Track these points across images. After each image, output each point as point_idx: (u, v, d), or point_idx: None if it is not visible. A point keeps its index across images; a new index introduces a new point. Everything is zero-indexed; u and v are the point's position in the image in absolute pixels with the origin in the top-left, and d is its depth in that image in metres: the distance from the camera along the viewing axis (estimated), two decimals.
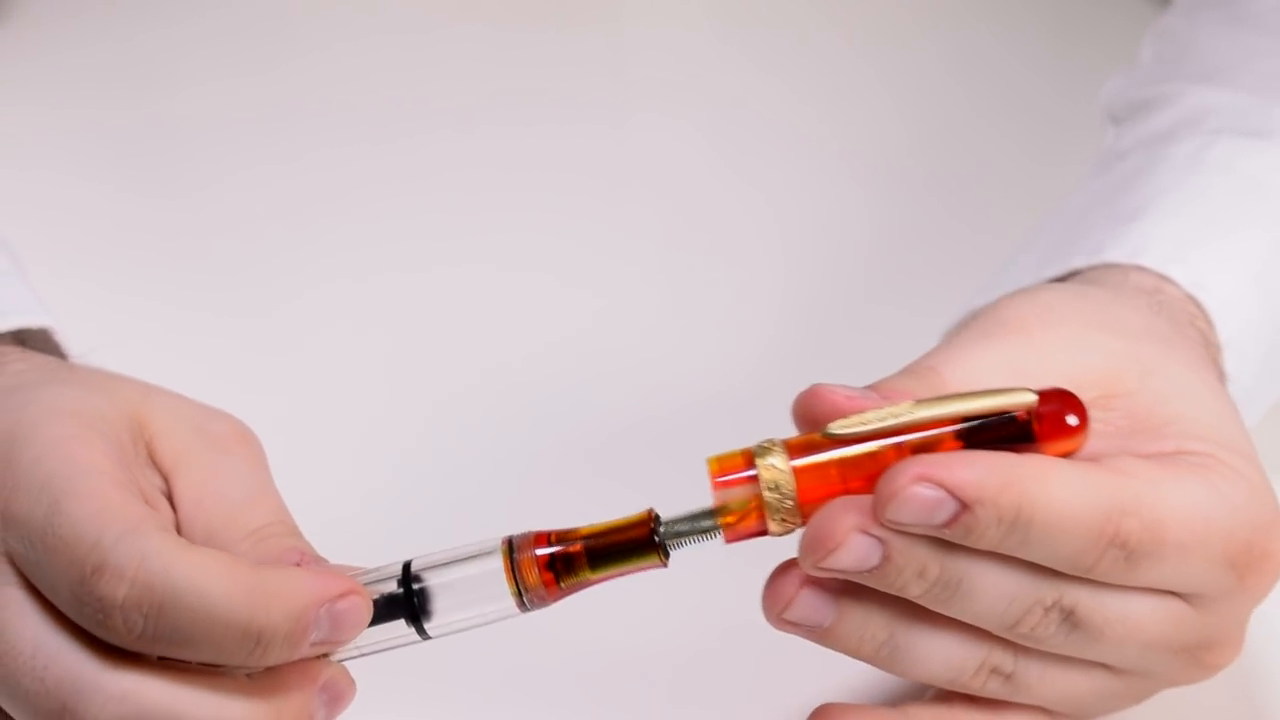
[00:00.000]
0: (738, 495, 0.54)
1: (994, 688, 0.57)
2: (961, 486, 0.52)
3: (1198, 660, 0.57)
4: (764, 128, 0.92)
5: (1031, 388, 0.54)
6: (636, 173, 0.90)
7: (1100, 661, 0.57)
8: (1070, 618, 0.55)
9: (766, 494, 0.54)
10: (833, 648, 0.55)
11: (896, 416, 0.54)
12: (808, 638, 0.55)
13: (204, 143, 0.90)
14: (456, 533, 0.57)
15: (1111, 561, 0.54)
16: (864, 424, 0.54)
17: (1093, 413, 0.56)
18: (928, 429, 0.54)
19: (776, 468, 0.54)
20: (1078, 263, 0.66)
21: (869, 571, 0.53)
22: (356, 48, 0.96)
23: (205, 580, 0.52)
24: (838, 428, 0.54)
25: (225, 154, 0.90)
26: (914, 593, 0.54)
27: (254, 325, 0.81)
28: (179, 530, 0.57)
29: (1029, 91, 0.94)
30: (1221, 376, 0.64)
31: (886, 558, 0.53)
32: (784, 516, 0.54)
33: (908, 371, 0.57)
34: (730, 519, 0.54)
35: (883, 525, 0.53)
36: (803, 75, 0.95)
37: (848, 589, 0.55)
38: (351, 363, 0.79)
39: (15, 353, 0.61)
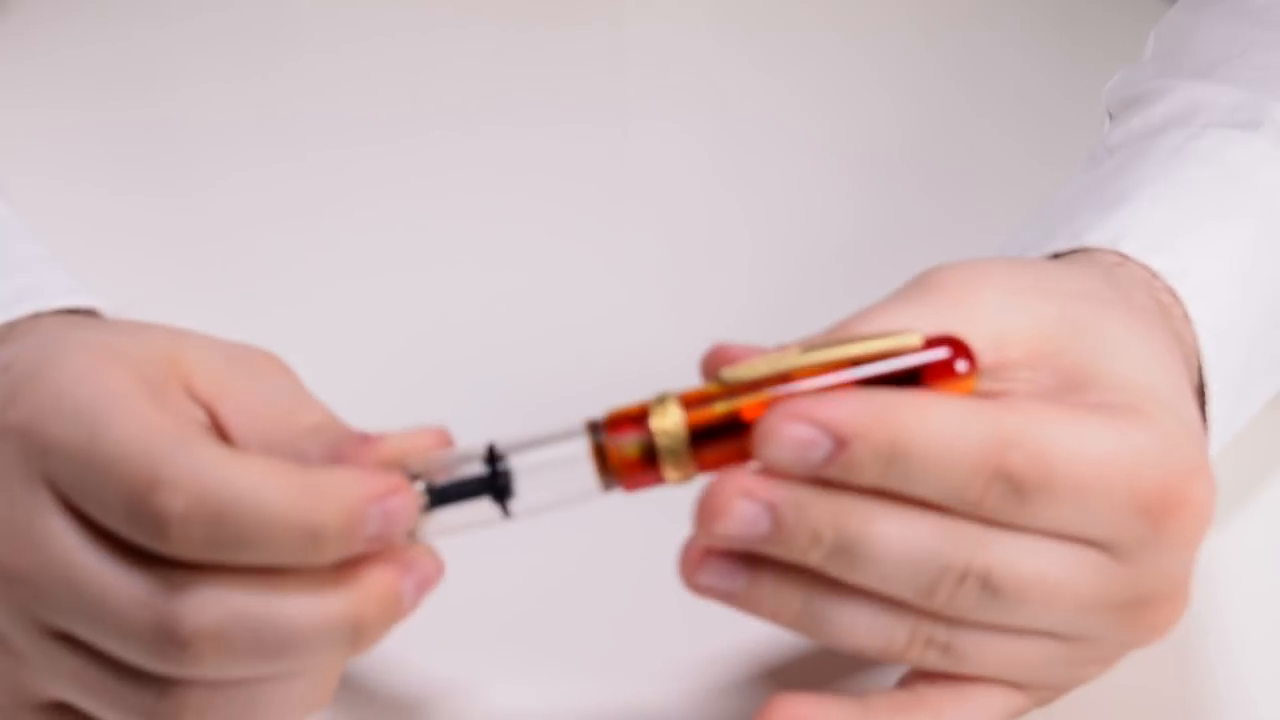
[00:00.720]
0: (633, 443, 0.56)
1: (934, 659, 0.56)
2: (836, 423, 0.53)
3: (1139, 618, 0.57)
4: (765, 128, 0.92)
5: (918, 331, 0.55)
6: (637, 173, 0.90)
7: (1037, 628, 0.56)
8: (987, 585, 0.55)
9: (659, 440, 0.56)
10: (751, 614, 0.56)
11: (783, 361, 0.56)
12: (725, 603, 0.56)
13: (204, 143, 0.90)
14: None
15: (1000, 496, 0.54)
16: (752, 370, 0.56)
17: (1019, 372, 0.57)
18: (816, 374, 0.55)
19: (667, 415, 0.56)
20: (1058, 246, 0.66)
21: (763, 539, 0.54)
22: (357, 48, 0.96)
23: (260, 483, 0.53)
24: (727, 374, 0.56)
25: (225, 154, 0.90)
26: (814, 559, 0.54)
27: (254, 326, 0.80)
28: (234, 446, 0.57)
29: (1036, 95, 0.94)
30: (1192, 349, 0.63)
31: (777, 523, 0.54)
32: (677, 462, 0.56)
33: (824, 334, 0.58)
34: (627, 466, 0.56)
35: (768, 484, 0.54)
36: (804, 76, 0.95)
37: (760, 553, 0.55)
38: (351, 362, 0.79)
39: (53, 316, 0.62)
